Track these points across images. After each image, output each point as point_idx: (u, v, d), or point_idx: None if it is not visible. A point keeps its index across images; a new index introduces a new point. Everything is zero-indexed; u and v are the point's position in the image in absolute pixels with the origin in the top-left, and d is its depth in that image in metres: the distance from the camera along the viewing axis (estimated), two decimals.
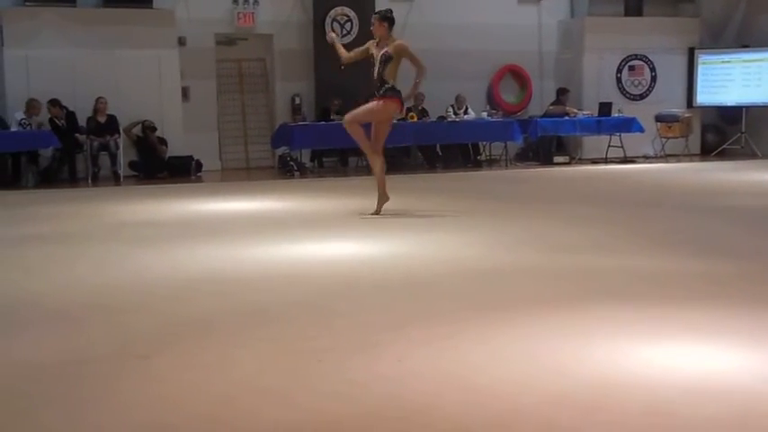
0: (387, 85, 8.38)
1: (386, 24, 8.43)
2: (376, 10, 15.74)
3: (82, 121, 13.65)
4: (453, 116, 15.40)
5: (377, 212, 8.48)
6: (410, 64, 8.48)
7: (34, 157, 13.25)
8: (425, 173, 14.64)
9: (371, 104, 8.50)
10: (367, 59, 8.52)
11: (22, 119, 13.11)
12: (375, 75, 8.39)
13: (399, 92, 8.44)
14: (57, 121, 13.40)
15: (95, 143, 13.43)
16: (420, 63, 8.48)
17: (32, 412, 3.24)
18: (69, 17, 13.95)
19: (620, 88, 17.11)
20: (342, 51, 8.59)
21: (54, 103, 13.37)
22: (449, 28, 16.34)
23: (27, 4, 13.87)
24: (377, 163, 8.58)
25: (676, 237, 7.14)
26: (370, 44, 8.51)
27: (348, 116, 8.60)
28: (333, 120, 14.72)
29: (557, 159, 15.64)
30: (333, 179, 13.47)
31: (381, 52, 8.35)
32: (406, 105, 8.47)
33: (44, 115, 13.37)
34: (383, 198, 8.53)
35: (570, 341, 3.94)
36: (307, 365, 3.67)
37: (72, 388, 3.45)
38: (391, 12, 8.57)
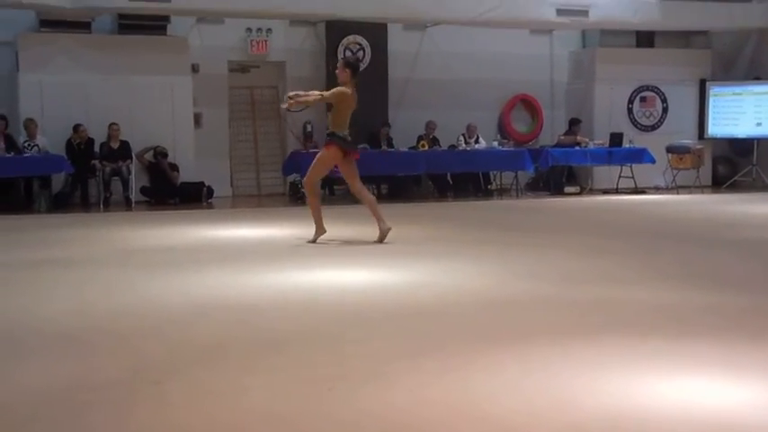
0: (327, 131, 8.72)
1: (348, 70, 8.55)
2: (388, 39, 16.03)
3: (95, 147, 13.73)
4: (464, 145, 15.42)
5: (380, 239, 8.55)
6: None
7: (47, 182, 13.31)
8: (436, 202, 14.65)
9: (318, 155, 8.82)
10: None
11: (25, 141, 13.18)
12: None
13: (336, 135, 8.54)
14: (75, 145, 13.46)
15: (108, 168, 13.49)
16: (325, 97, 8.69)
17: None
18: (84, 43, 14.05)
19: (631, 119, 17.12)
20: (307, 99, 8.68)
21: (80, 128, 13.47)
22: (461, 57, 16.41)
23: (43, 29, 13.98)
24: (365, 198, 8.82)
25: (689, 269, 7.12)
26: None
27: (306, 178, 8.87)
28: None
29: (567, 189, 15.63)
30: (343, 206, 13.47)
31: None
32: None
33: (48, 136, 13.38)
34: (383, 227, 8.61)
35: (583, 373, 3.92)
36: (318, 394, 3.66)
37: (83, 414, 3.45)
38: (356, 59, 8.73)
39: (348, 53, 15.70)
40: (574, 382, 3.78)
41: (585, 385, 3.75)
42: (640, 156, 15.77)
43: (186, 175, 14.30)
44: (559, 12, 15.21)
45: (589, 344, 4.46)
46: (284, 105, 8.73)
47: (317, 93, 8.88)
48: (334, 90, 8.68)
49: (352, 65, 8.72)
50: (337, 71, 8.72)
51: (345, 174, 8.83)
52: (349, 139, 8.73)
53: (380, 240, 8.55)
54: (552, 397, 3.59)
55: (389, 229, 8.60)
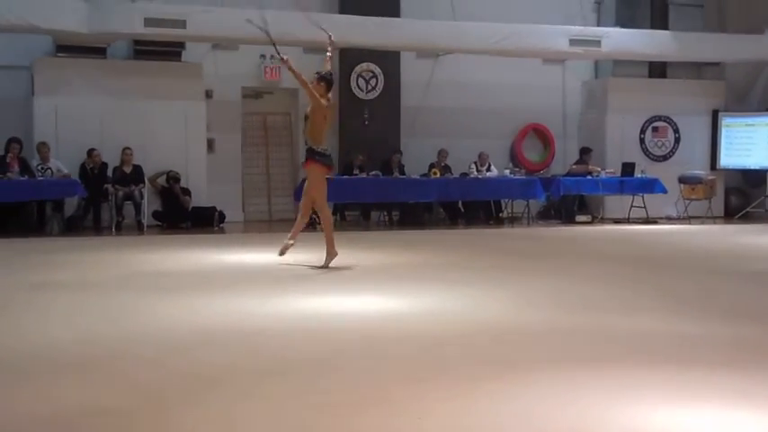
0: (306, 147, 8.81)
1: (323, 84, 8.73)
2: (400, 67, 16.10)
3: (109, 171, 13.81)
4: (476, 173, 15.44)
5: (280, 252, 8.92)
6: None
7: (59, 205, 13.37)
8: (447, 229, 14.64)
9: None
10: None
11: (38, 164, 13.26)
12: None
13: (315, 152, 8.67)
14: (88, 169, 13.55)
15: (120, 193, 13.55)
16: (306, 86, 8.68)
17: None
18: (99, 68, 14.15)
19: (643, 149, 17.10)
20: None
21: (94, 153, 13.56)
22: (473, 86, 16.47)
23: (59, 54, 14.11)
24: (303, 215, 9.06)
25: (700, 300, 7.07)
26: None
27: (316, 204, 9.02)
28: (356, 174, 14.80)
29: (579, 218, 15.60)
30: (354, 232, 13.48)
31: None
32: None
33: (62, 160, 13.44)
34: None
35: (592, 403, 3.89)
36: (323, 421, 3.64)
37: None
38: (330, 74, 8.91)
39: (361, 81, 15.79)
40: (583, 412, 3.75)
41: (595, 415, 3.72)
42: (652, 186, 15.75)
43: (198, 199, 14.35)
44: (572, 42, 15.26)
45: (599, 373, 4.43)
46: (285, 56, 8.73)
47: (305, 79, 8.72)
48: (315, 94, 8.65)
49: (326, 79, 8.82)
50: (312, 85, 8.76)
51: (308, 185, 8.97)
52: (328, 153, 8.87)
53: (281, 253, 8.86)
54: (560, 426, 3.56)
55: (289, 246, 8.86)
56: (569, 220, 15.56)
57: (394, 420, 3.65)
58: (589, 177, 15.68)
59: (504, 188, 15.43)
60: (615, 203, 16.31)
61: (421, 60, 16.42)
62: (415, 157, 15.61)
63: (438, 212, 15.71)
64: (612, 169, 16.05)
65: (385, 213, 15.40)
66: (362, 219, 15.42)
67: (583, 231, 14.13)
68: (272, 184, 16.15)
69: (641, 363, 4.67)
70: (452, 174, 15.38)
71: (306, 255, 9.33)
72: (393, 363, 4.73)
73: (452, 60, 16.23)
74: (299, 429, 3.54)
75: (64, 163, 13.42)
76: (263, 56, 15.49)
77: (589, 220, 15.67)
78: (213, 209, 14.35)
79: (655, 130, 17.21)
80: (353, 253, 9.87)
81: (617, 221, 15.82)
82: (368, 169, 14.89)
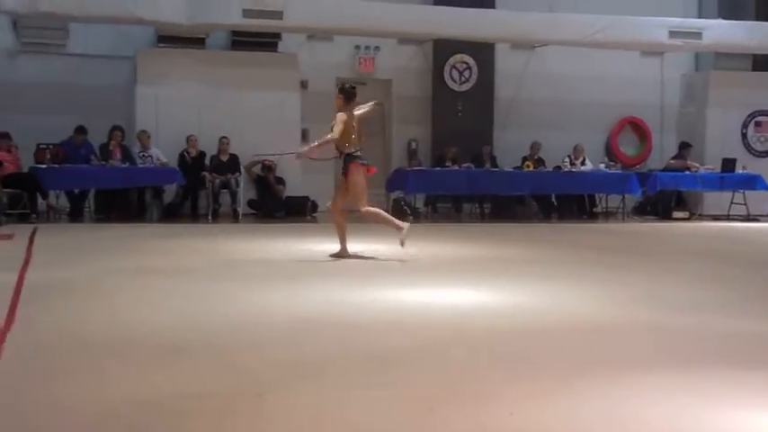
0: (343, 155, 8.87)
1: (341, 96, 8.82)
2: (495, 58, 15.99)
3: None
4: (570, 166, 15.24)
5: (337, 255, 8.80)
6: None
7: (159, 192, 13.72)
8: (540, 222, 14.50)
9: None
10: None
11: (140, 152, 13.60)
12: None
13: (351, 155, 8.86)
14: (187, 157, 13.85)
15: (217, 181, 13.82)
16: (335, 134, 8.77)
17: None
18: (199, 59, 14.45)
19: (745, 144, 16.61)
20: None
21: (191, 138, 13.87)
22: (569, 78, 16.26)
23: (160, 45, 14.46)
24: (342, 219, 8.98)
25: None
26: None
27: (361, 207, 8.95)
28: (447, 166, 14.78)
29: (676, 214, 15.26)
30: (446, 224, 13.49)
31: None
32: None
33: (162, 148, 13.76)
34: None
35: (683, 405, 3.81)
36: (418, 413, 3.66)
37: (184, 422, 3.52)
38: (350, 86, 8.95)
39: (455, 72, 15.75)
40: (672, 414, 3.68)
41: (689, 417, 3.64)
42: (754, 182, 15.28)
43: (292, 189, 14.52)
44: (672, 34, 14.91)
45: (696, 376, 4.33)
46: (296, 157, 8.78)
47: (327, 137, 8.87)
48: (337, 122, 8.76)
49: (345, 91, 8.89)
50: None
51: (343, 187, 8.98)
52: (360, 153, 8.94)
53: (338, 256, 8.77)
54: (652, 427, 3.51)
55: (344, 255, 8.77)
56: (666, 215, 15.23)
57: (486, 416, 3.64)
58: (687, 173, 15.31)
59: (598, 182, 15.20)
60: (715, 200, 15.88)
61: (516, 52, 16.28)
62: (508, 149, 15.50)
63: (531, 206, 15.57)
64: (712, 165, 15.62)
65: (477, 205, 15.34)
66: (454, 211, 15.38)
67: (680, 228, 13.83)
68: None
69: (736, 365, 4.55)
70: (546, 167, 15.22)
71: (393, 248, 9.35)
72: (486, 357, 4.72)
73: (548, 52, 16.04)
74: (394, 421, 3.56)
75: (163, 151, 13.75)
76: (357, 47, 15.61)
77: (687, 216, 15.30)
78: (306, 198, 14.50)
79: (758, 124, 16.70)
80: (445, 245, 9.86)
81: (716, 218, 15.41)
82: (460, 161, 14.85)
